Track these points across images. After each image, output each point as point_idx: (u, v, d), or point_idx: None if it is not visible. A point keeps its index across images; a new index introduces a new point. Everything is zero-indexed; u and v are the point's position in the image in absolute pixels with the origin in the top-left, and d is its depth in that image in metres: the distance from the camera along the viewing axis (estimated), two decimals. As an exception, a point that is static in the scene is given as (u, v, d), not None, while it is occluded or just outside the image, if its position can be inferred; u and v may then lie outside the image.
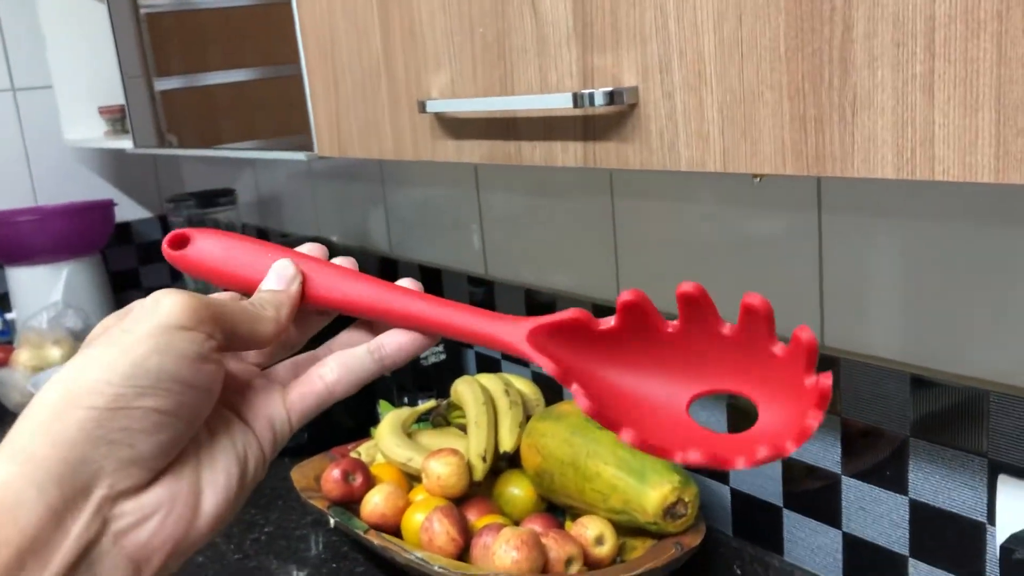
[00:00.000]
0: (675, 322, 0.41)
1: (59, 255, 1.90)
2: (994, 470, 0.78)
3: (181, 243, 0.44)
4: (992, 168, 0.44)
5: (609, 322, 0.41)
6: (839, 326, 0.89)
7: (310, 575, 1.11)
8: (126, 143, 1.63)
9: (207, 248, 0.44)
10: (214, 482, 0.37)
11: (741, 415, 1.01)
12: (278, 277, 0.41)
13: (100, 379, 0.34)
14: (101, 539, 0.33)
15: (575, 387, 0.39)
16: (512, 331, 0.41)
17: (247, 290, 0.42)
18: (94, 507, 0.33)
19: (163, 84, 1.52)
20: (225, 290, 0.43)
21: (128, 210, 2.13)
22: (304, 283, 0.42)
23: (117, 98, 1.71)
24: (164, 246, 0.44)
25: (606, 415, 0.39)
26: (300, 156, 1.04)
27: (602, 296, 1.16)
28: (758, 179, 0.57)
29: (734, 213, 0.97)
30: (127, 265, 2.14)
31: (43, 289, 1.89)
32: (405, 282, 0.44)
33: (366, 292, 0.43)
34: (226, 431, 0.38)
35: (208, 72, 1.41)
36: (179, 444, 0.36)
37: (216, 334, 0.36)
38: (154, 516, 0.35)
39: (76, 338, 1.82)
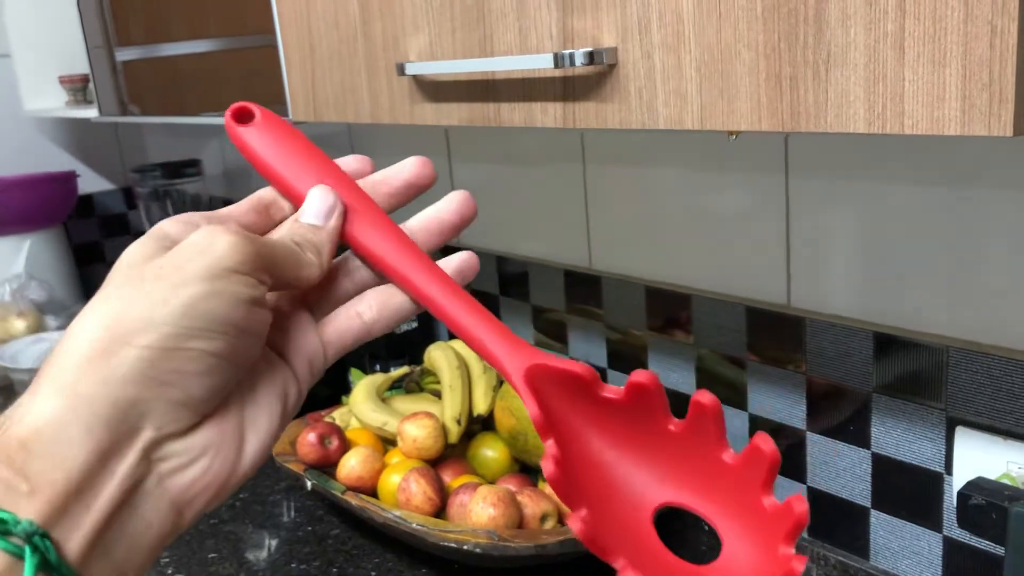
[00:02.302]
0: (680, 421, 0.38)
1: (21, 227, 1.87)
2: (952, 423, 0.81)
3: (245, 117, 0.41)
4: (959, 121, 0.47)
5: (615, 392, 0.37)
6: (805, 287, 0.92)
7: (286, 539, 1.12)
8: (90, 112, 1.61)
9: (269, 133, 0.40)
10: (257, 423, 0.36)
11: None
12: (316, 210, 0.39)
13: (152, 318, 0.32)
14: (145, 482, 0.33)
15: (550, 443, 0.36)
16: (512, 359, 0.38)
17: (288, 196, 0.41)
18: (140, 449, 0.32)
19: (124, 55, 1.50)
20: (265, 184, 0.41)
21: (91, 182, 2.11)
22: (345, 217, 0.40)
23: (77, 67, 1.69)
24: (227, 118, 0.41)
25: (567, 486, 0.35)
26: (274, 122, 1.04)
27: (573, 263, 1.18)
28: (733, 136, 0.60)
29: (703, 178, 1.00)
30: (90, 238, 2.12)
31: (5, 261, 1.87)
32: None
33: (390, 253, 0.40)
34: (268, 371, 0.38)
35: (171, 43, 1.40)
36: (228, 387, 0.35)
37: (266, 278, 0.35)
38: (200, 459, 0.34)
39: (40, 310, 1.81)
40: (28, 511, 0.30)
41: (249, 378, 0.37)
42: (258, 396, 0.37)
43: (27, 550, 0.29)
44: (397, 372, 1.28)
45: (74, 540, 0.30)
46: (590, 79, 0.65)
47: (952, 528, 0.83)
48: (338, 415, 1.25)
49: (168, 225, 0.37)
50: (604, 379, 1.16)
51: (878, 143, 0.83)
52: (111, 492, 0.31)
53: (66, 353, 0.32)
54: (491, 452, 1.12)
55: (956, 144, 0.78)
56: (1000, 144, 0.75)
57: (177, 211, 1.81)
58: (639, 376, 0.37)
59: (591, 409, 0.38)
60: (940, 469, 0.83)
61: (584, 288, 1.17)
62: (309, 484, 1.09)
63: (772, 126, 0.55)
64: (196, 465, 0.34)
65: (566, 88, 0.67)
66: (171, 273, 0.33)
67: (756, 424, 0.99)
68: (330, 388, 1.38)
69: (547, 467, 0.35)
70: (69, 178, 1.94)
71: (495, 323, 0.39)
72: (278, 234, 0.39)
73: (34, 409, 0.31)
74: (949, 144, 0.78)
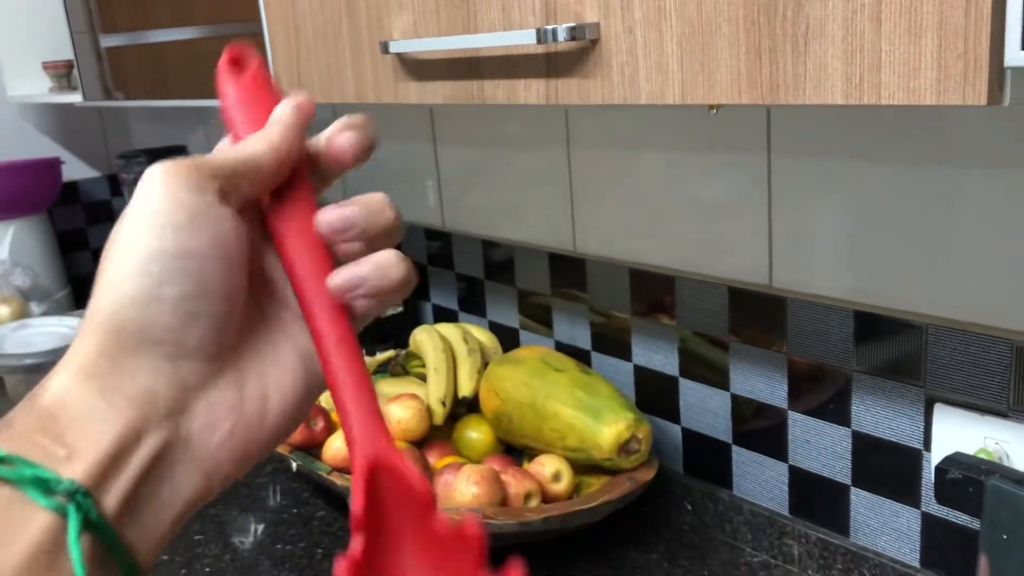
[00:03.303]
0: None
1: (5, 213, 1.86)
2: (930, 400, 0.82)
3: (238, 64, 0.39)
4: (934, 91, 0.47)
5: (441, 525, 0.35)
6: (786, 268, 0.93)
7: (271, 521, 1.13)
8: (74, 97, 1.61)
9: (258, 82, 0.38)
10: (279, 383, 0.36)
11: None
12: (274, 116, 0.38)
13: (119, 279, 0.33)
14: (174, 447, 0.33)
15: (355, 540, 0.34)
16: (365, 442, 0.35)
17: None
18: (165, 414, 0.33)
19: (109, 41, 1.50)
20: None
21: (76, 169, 2.10)
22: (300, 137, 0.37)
23: (61, 53, 1.68)
24: (222, 63, 0.39)
25: None
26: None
27: (558, 246, 1.19)
28: (714, 111, 0.60)
29: (687, 160, 1.00)
30: (75, 225, 2.11)
31: (-12, 248, 1.86)
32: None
33: (301, 267, 0.36)
34: (282, 329, 0.37)
35: (156, 29, 1.40)
36: (224, 326, 0.34)
37: (206, 184, 0.34)
38: (224, 422, 0.34)
39: (24, 297, 1.80)
40: (68, 473, 0.30)
41: (267, 334, 0.37)
42: (279, 355, 0.36)
43: (71, 508, 0.30)
44: (382, 356, 1.29)
45: (110, 502, 0.31)
46: (572, 55, 0.65)
47: (930, 504, 0.84)
48: (323, 398, 1.25)
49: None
50: (588, 362, 1.17)
51: (858, 123, 0.84)
52: (142, 458, 0.32)
53: (79, 339, 0.33)
54: (476, 434, 1.12)
55: (934, 123, 0.78)
56: (977, 123, 0.76)
57: (162, 198, 1.80)
58: (470, 528, 0.34)
59: (414, 520, 0.36)
60: (919, 446, 0.84)
61: (569, 271, 1.17)
62: (294, 465, 1.09)
63: (752, 99, 0.56)
64: (220, 429, 0.34)
65: (549, 64, 0.68)
66: (124, 235, 0.33)
67: (738, 403, 1.00)
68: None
69: (339, 565, 0.33)
70: (53, 164, 1.93)
71: (371, 396, 0.36)
72: None
73: (54, 385, 0.32)
74: (928, 123, 0.79)
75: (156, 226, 0.33)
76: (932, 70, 0.47)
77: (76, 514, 0.30)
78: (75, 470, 0.30)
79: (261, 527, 1.12)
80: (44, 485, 0.30)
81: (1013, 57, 0.44)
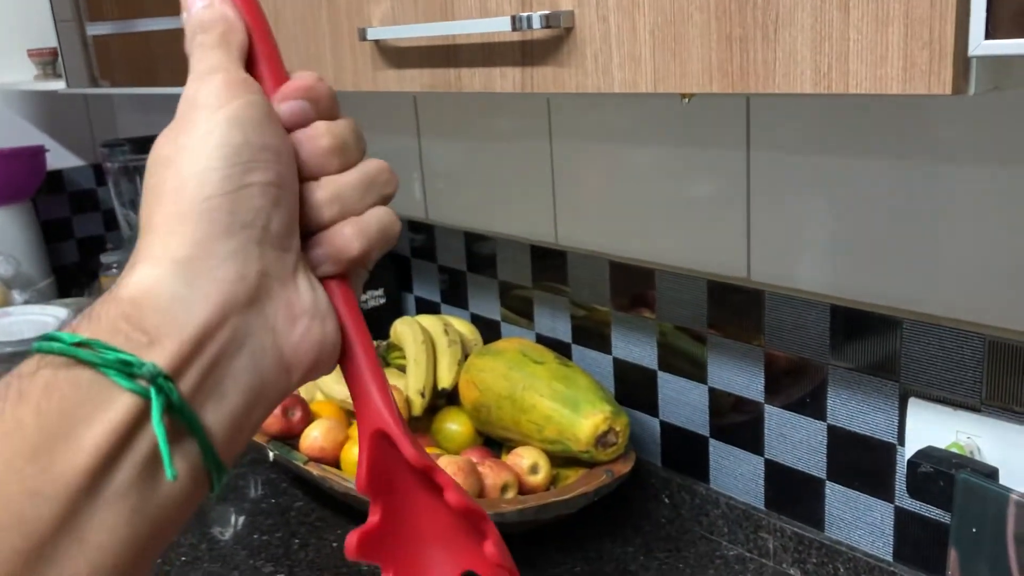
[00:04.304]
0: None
1: (-12, 201, 1.85)
2: (905, 394, 0.82)
3: None
4: (900, 80, 0.47)
5: (444, 484, 0.37)
6: (765, 261, 0.93)
7: (248, 511, 1.12)
8: (57, 84, 1.60)
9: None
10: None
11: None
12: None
13: (204, 168, 0.33)
14: (256, 336, 0.34)
15: (371, 513, 0.37)
16: (373, 413, 0.37)
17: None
18: (247, 298, 0.33)
19: (96, 29, 1.49)
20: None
21: (61, 158, 2.09)
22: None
23: (46, 40, 1.67)
24: None
25: (380, 550, 0.37)
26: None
27: (540, 239, 1.19)
28: (686, 99, 0.60)
29: (668, 153, 1.00)
30: (59, 214, 2.10)
31: (-29, 236, 1.85)
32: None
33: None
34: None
35: (144, 18, 1.39)
36: (295, 220, 0.36)
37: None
38: (302, 317, 0.35)
39: (7, 285, 1.79)
40: (150, 359, 0.31)
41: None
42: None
43: (152, 391, 0.30)
44: (363, 347, 1.28)
45: (189, 385, 0.31)
46: (548, 43, 0.65)
47: (903, 499, 0.85)
48: (303, 389, 1.25)
49: None
50: (568, 355, 1.17)
51: (837, 119, 0.84)
52: (223, 344, 0.32)
53: (149, 231, 0.34)
54: (455, 426, 1.12)
55: (913, 118, 0.79)
56: (956, 118, 0.76)
57: (147, 188, 1.80)
58: (464, 501, 0.36)
59: (417, 485, 0.38)
60: (893, 440, 0.84)
61: (550, 264, 1.17)
62: (271, 455, 1.09)
63: (723, 87, 0.56)
64: (299, 323, 0.35)
65: (524, 52, 0.67)
66: (191, 128, 0.34)
67: (715, 397, 1.00)
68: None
69: (351, 540, 0.36)
70: (37, 152, 1.92)
71: (377, 367, 0.38)
72: None
73: (136, 277, 0.32)
74: (907, 118, 0.79)
75: (237, 121, 0.35)
76: (898, 59, 0.47)
77: (158, 396, 0.30)
78: (157, 355, 0.31)
79: (238, 517, 1.12)
80: (126, 368, 0.30)
81: (977, 46, 0.44)
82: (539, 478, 1.00)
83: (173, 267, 0.32)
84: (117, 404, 0.30)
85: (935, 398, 0.80)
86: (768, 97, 0.88)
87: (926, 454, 0.77)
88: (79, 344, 0.30)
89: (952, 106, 0.76)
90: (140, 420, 0.30)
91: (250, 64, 0.38)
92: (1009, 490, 0.68)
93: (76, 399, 0.29)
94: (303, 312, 0.35)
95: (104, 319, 0.31)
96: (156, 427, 0.30)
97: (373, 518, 0.37)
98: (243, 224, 0.34)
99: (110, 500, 0.29)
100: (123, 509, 0.30)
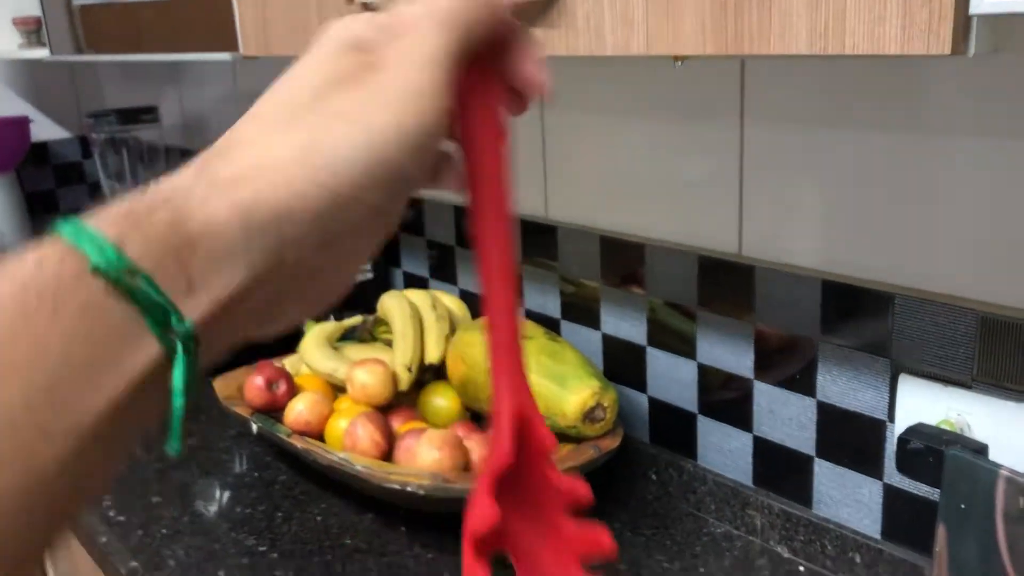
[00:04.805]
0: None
1: (-29, 172, 1.83)
2: (896, 370, 0.82)
3: None
4: (898, 40, 0.46)
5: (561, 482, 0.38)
6: (756, 236, 0.92)
7: (232, 484, 1.11)
8: (42, 53, 1.57)
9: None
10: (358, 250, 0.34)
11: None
12: None
13: (340, 158, 0.29)
14: (286, 296, 0.31)
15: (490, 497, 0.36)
16: (514, 396, 0.37)
17: None
18: (286, 275, 0.30)
19: (83, -1, 1.46)
20: None
21: (46, 130, 2.06)
22: None
23: (31, 9, 1.64)
24: None
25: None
26: (225, 57, 1.02)
27: (531, 213, 1.17)
28: (679, 63, 0.59)
29: (660, 127, 0.99)
30: (44, 186, 2.08)
31: (-45, 207, 1.83)
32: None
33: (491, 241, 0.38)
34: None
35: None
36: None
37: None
38: (322, 272, 0.32)
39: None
40: (185, 310, 0.28)
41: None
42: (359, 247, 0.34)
43: (180, 352, 0.28)
44: (350, 321, 1.27)
45: (204, 345, 0.29)
46: (538, 4, 0.64)
47: (892, 476, 0.84)
48: (288, 363, 1.24)
49: (360, 29, 0.33)
50: (557, 331, 1.15)
51: (832, 91, 0.83)
52: (255, 302, 0.30)
53: (244, 165, 0.30)
54: (442, 401, 1.11)
55: (908, 91, 0.77)
56: (951, 90, 0.75)
57: (133, 160, 1.78)
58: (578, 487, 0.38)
59: (534, 473, 0.38)
60: (883, 417, 0.84)
61: (539, 238, 1.16)
62: (255, 428, 1.08)
63: (717, 49, 0.54)
64: (317, 280, 0.32)
65: (515, 14, 0.66)
66: (366, 116, 0.30)
67: (705, 373, 0.99)
68: (279, 337, 1.36)
69: (488, 518, 0.35)
70: (21, 123, 1.89)
71: (520, 352, 0.38)
72: None
73: (206, 213, 0.29)
74: (902, 91, 0.78)
75: (410, 148, 0.31)
76: (897, 18, 0.46)
77: (185, 359, 0.28)
78: (192, 309, 0.28)
79: (221, 490, 1.10)
80: (163, 317, 0.27)
81: (979, 4, 0.43)
82: (526, 453, 0.99)
83: (243, 217, 0.29)
84: (142, 353, 0.27)
85: (926, 375, 0.79)
86: (763, 63, 0.87)
87: (916, 430, 0.76)
88: (130, 272, 0.27)
89: (948, 76, 0.74)
90: (157, 376, 0.28)
91: None
92: (999, 466, 0.67)
93: (106, 334, 0.27)
94: (322, 269, 0.32)
95: (154, 240, 0.28)
96: (175, 398, 0.28)
97: (495, 505, 0.36)
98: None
99: (110, 448, 0.28)
100: (118, 453, 0.28)
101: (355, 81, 0.31)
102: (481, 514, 0.35)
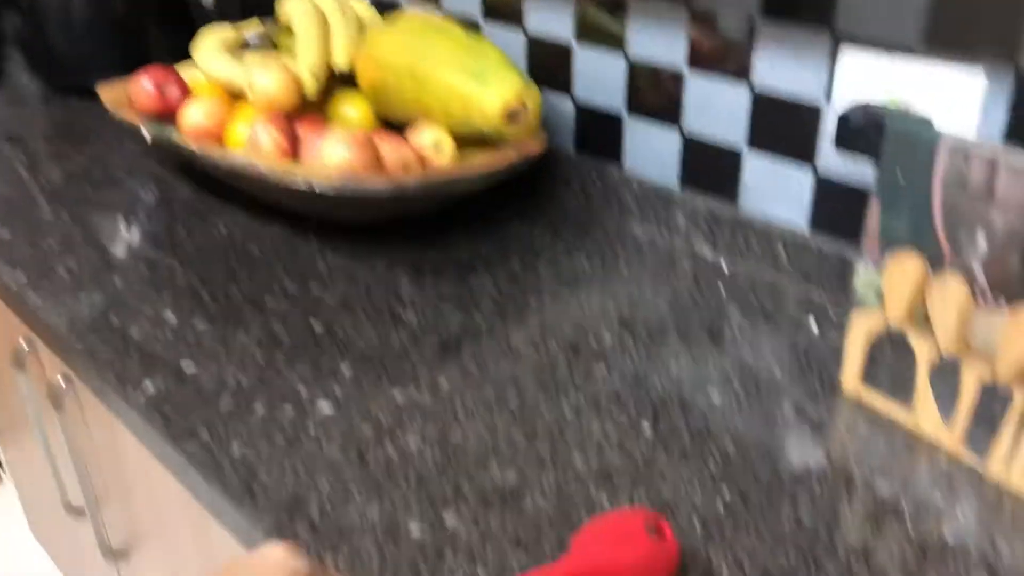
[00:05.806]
0: None
1: None
2: (837, 43, 0.76)
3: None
4: None
5: None
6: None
7: (130, 201, 1.03)
8: None
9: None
10: None
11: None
12: None
13: None
14: None
15: None
16: None
17: None
18: None
19: None
20: None
21: None
22: None
23: None
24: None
25: None
26: None
27: None
28: None
29: None
30: None
31: None
32: None
33: None
34: None
35: None
36: None
37: None
38: None
39: None
40: None
41: None
42: None
43: None
44: (248, 26, 1.15)
45: None
46: None
47: (827, 165, 0.80)
48: (182, 73, 1.13)
49: None
50: (478, 30, 1.06)
51: None
52: None
53: None
54: (352, 110, 1.03)
55: None
56: None
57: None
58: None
59: None
60: (821, 101, 0.79)
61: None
62: (148, 136, 0.99)
63: None
64: None
65: None
66: None
67: (634, 70, 0.92)
68: (172, 44, 1.23)
69: None
70: None
71: None
72: None
73: None
74: None
75: None
76: None
77: None
78: None
79: (116, 208, 1.02)
80: None
81: None
82: (443, 157, 0.93)
83: None
84: None
85: (871, 41, 0.73)
86: None
87: (858, 107, 0.71)
88: None
89: None
90: None
91: None
92: (941, 134, 0.63)
93: None
94: None
95: None
96: None
97: None
98: None
99: None
100: None
101: None
102: None
